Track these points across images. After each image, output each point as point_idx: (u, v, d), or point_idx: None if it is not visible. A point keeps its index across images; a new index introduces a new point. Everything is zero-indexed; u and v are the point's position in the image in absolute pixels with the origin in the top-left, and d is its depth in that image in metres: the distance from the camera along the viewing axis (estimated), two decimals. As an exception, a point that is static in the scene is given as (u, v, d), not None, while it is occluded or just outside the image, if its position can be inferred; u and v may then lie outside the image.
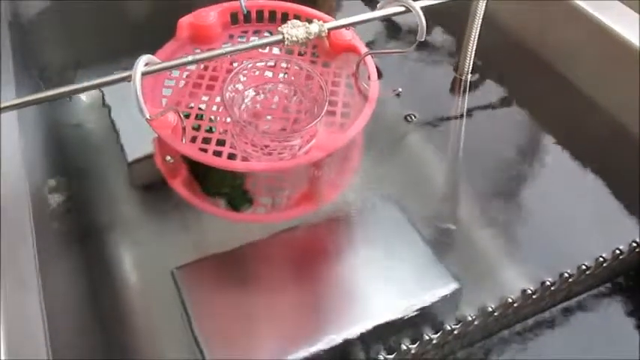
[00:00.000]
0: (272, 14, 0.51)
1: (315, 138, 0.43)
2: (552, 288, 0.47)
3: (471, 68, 0.62)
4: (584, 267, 0.47)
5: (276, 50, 0.50)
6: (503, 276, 0.50)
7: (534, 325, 0.47)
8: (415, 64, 0.64)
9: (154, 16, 0.65)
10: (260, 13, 0.51)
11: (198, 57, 0.40)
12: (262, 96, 0.45)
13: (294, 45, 0.41)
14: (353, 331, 0.44)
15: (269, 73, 0.47)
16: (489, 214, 0.53)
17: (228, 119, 0.45)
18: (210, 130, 0.44)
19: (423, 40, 0.42)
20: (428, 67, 0.65)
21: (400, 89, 0.61)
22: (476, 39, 0.57)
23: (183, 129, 0.43)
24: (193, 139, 0.43)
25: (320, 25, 0.42)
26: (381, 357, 0.43)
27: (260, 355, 0.43)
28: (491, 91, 0.62)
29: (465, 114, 0.60)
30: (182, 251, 0.49)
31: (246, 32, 0.51)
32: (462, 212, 0.54)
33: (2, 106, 0.37)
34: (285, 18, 0.50)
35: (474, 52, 0.60)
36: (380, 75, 0.47)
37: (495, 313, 0.45)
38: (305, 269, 0.48)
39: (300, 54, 0.50)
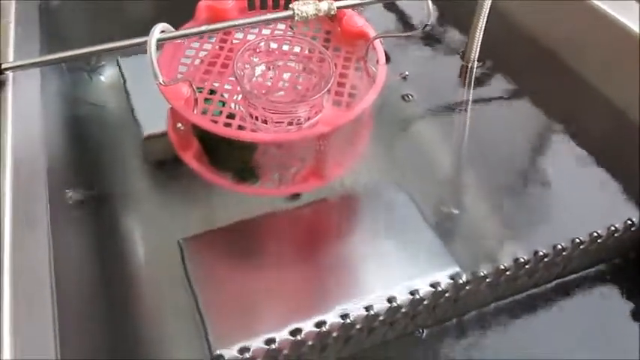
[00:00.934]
0: (288, 1, 0.53)
1: (322, 113, 0.44)
2: (546, 260, 0.47)
3: (477, 56, 0.63)
4: (577, 241, 0.48)
5: (290, 34, 0.52)
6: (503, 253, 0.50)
7: (528, 299, 0.48)
8: (422, 52, 0.66)
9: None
10: (276, 0, 0.53)
11: (212, 27, 0.41)
12: (273, 72, 0.47)
13: (303, 20, 0.42)
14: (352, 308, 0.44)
15: (281, 50, 0.48)
16: (492, 198, 0.54)
17: (240, 97, 0.46)
18: (221, 105, 0.46)
19: (429, 22, 0.44)
20: (436, 55, 0.66)
21: (407, 72, 0.62)
22: (483, 27, 0.59)
23: (196, 100, 0.44)
24: (204, 112, 0.45)
25: (329, 3, 0.44)
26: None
27: (263, 327, 0.43)
28: (497, 79, 0.63)
29: (470, 100, 0.61)
30: (191, 224, 0.50)
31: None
32: (464, 195, 0.54)
33: (3, 67, 0.39)
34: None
35: (480, 41, 0.61)
36: (388, 60, 0.49)
37: (488, 279, 0.45)
38: (310, 246, 0.49)
39: (313, 39, 0.51)
